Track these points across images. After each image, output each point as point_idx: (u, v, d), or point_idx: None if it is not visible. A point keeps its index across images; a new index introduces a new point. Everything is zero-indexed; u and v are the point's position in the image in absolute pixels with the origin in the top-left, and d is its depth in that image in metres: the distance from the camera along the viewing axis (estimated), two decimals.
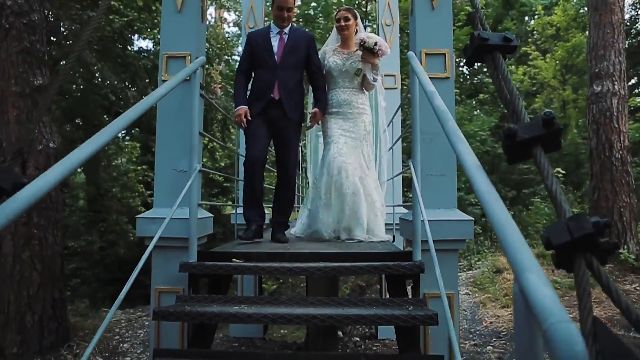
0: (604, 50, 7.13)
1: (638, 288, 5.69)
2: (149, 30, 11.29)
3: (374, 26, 6.53)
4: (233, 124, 10.97)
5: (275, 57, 3.57)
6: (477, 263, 8.12)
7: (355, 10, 3.93)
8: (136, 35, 11.65)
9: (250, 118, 3.45)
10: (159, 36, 11.62)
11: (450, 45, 3.04)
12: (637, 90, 19.06)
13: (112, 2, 9.69)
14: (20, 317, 4.26)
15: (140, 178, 12.64)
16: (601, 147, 7.01)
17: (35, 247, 4.38)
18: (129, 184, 12.45)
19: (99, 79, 9.45)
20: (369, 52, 3.64)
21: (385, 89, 5.87)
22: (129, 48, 10.85)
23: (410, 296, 2.78)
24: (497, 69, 1.44)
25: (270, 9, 4.27)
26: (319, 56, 3.84)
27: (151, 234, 2.82)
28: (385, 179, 4.53)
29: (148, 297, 7.21)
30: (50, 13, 6.85)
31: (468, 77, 14.16)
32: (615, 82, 7.04)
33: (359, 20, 3.91)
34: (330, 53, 3.86)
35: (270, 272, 3.02)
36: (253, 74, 3.64)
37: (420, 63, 2.95)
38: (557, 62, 15.08)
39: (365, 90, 3.93)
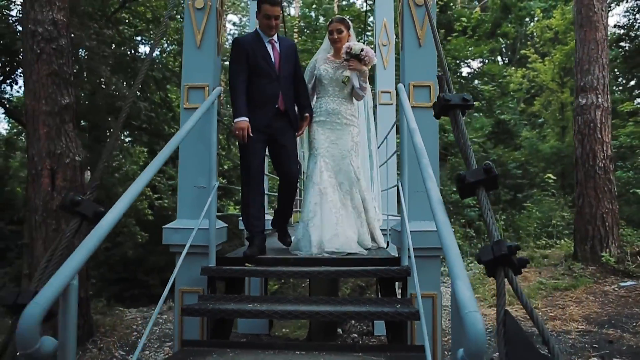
0: (589, 65, 7.58)
1: (616, 289, 6.13)
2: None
3: (372, 45, 6.96)
4: None
5: (276, 67, 3.59)
6: (470, 265, 8.56)
7: (348, 21, 3.97)
8: (142, 44, 12.15)
9: (251, 134, 3.40)
10: (165, 45, 12.10)
11: (434, 78, 3.48)
12: (637, 92, 19.50)
13: (123, 14, 10.18)
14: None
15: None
16: (585, 156, 7.45)
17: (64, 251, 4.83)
18: None
19: (103, 85, 9.89)
20: (356, 58, 3.70)
21: (381, 104, 6.34)
22: (135, 53, 11.30)
23: (399, 296, 3.24)
24: (456, 123, 1.89)
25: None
26: (311, 65, 3.98)
27: (175, 242, 3.29)
28: (377, 190, 4.95)
29: (154, 297, 7.64)
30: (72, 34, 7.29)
31: (463, 82, 14.54)
32: (599, 95, 7.48)
33: (351, 30, 3.96)
34: (321, 62, 3.90)
35: (278, 275, 3.48)
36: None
37: (409, 93, 3.41)
38: (556, 65, 15.36)
39: (355, 99, 3.95)
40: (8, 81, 10.86)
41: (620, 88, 20.14)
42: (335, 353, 2.60)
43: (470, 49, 15.96)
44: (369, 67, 3.90)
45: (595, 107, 7.45)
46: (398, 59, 5.67)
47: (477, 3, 23.21)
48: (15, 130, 16.81)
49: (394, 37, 6.21)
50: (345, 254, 3.39)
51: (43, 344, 1.32)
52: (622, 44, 19.27)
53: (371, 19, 11.89)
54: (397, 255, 3.38)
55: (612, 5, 21.52)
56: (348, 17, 14.76)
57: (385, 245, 3.83)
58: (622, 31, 19.52)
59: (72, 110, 5.11)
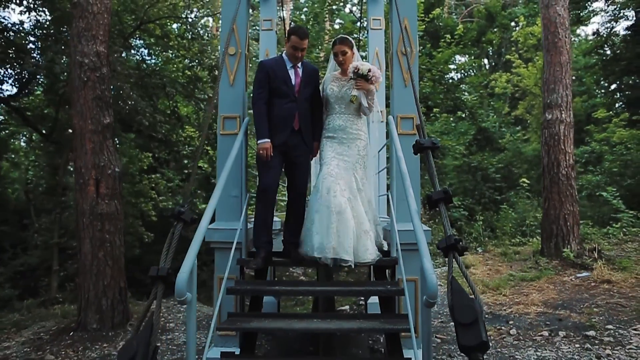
0: (554, 84, 8.63)
1: (573, 279, 7.17)
2: (163, 52, 12.62)
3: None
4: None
5: (295, 90, 3.90)
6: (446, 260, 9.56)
7: (351, 40, 4.12)
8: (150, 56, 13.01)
9: (271, 153, 3.75)
10: (171, 56, 12.92)
11: (416, 111, 4.45)
12: (618, 96, 20.75)
13: (136, 32, 11.00)
14: (98, 301, 5.61)
15: (153, 185, 13.91)
16: (551, 165, 8.49)
17: (107, 248, 5.73)
18: (142, 190, 13.70)
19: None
20: (363, 78, 3.88)
21: (372, 121, 7.31)
22: (143, 65, 12.13)
23: (389, 279, 4.20)
24: (428, 159, 2.86)
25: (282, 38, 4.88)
26: (321, 85, 4.18)
27: (216, 239, 4.20)
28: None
29: (200, 276, 8.57)
30: None
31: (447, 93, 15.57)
32: (563, 112, 8.54)
33: (355, 49, 4.13)
34: (328, 82, 4.10)
35: (296, 264, 4.40)
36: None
37: (397, 123, 4.37)
38: (538, 70, 15.82)
39: (363, 115, 4.10)
40: (24, 91, 11.66)
41: (603, 91, 21.44)
42: (342, 319, 3.56)
43: (456, 58, 16.92)
44: (376, 86, 4.07)
45: (559, 122, 8.50)
46: (387, 85, 6.64)
47: (464, 8, 24.36)
48: (7, 132, 17.09)
49: (385, 63, 7.19)
50: (340, 262, 3.62)
51: (187, 295, 2.26)
52: (600, 51, 20.57)
53: (361, 29, 12.85)
54: (387, 249, 4.34)
55: (591, 15, 22.88)
56: (341, 30, 15.66)
57: (375, 260, 3.81)
58: (599, 38, 20.80)
59: (111, 129, 6.00)
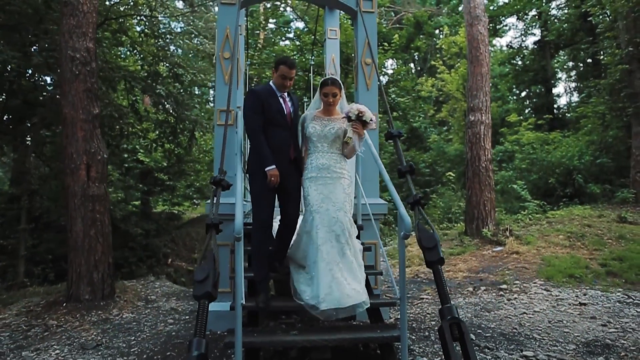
0: (476, 91, 10.26)
1: (490, 253, 8.75)
2: (114, 47, 12.83)
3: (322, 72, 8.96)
4: (201, 131, 12.89)
5: (288, 119, 3.98)
6: (390, 242, 10.97)
7: (340, 82, 4.13)
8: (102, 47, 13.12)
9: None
10: (124, 52, 13.13)
11: (377, 110, 5.59)
12: (527, 103, 23.50)
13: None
14: (90, 275, 6.16)
15: None
16: (473, 159, 10.10)
17: (98, 226, 6.29)
18: None
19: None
20: (362, 123, 3.95)
21: None
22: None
23: None
24: (395, 144, 3.97)
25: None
26: (300, 120, 4.17)
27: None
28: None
29: (136, 272, 9.19)
30: None
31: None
32: (483, 114, 10.18)
33: (342, 90, 4.15)
34: (309, 120, 4.07)
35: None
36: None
37: None
38: (460, 76, 17.92)
39: (345, 157, 4.14)
40: None
41: (515, 98, 24.25)
42: None
43: (388, 60, 18.37)
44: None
45: (480, 123, 10.13)
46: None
47: (393, 15, 26.32)
48: None
49: (340, 68, 8.31)
50: (340, 314, 3.63)
51: (241, 235, 3.18)
52: (512, 61, 23.34)
53: (314, 35, 13.86)
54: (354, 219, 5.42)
55: (505, 28, 25.67)
56: (283, 31, 16.62)
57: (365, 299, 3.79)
58: (511, 50, 23.55)
59: (99, 118, 6.56)
